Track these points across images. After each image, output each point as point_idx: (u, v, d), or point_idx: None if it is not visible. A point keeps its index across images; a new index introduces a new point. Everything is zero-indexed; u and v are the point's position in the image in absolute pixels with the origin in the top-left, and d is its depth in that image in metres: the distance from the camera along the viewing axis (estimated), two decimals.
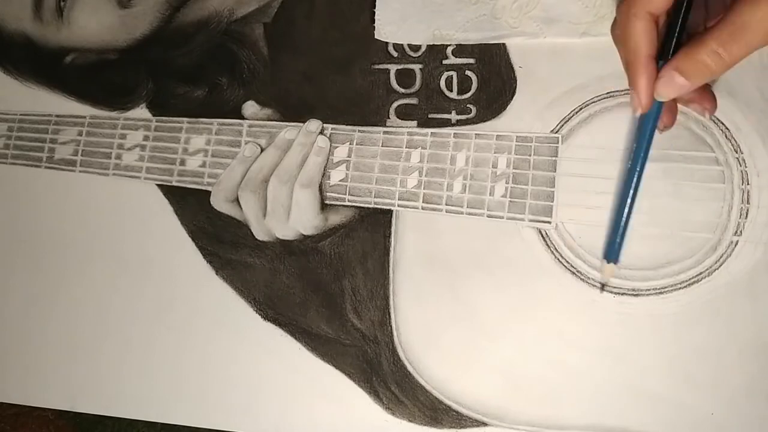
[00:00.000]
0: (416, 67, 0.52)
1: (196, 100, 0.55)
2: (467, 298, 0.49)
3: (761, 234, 0.45)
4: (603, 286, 0.46)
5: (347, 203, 0.51)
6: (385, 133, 0.51)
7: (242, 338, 0.52)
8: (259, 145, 0.53)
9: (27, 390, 0.55)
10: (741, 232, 0.45)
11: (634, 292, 0.46)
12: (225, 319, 0.52)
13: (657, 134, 0.43)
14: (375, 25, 0.52)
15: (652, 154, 0.43)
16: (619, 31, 0.41)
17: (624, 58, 0.41)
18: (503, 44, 0.50)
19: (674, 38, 0.39)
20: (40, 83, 0.57)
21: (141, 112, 0.56)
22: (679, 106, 0.45)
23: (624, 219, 0.44)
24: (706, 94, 0.43)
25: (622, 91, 0.48)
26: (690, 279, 0.46)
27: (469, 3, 0.50)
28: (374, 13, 0.52)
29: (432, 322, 0.49)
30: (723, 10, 0.38)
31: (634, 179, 0.43)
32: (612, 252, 0.45)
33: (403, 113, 0.51)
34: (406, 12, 0.51)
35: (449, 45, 0.51)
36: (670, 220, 0.46)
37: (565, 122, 0.48)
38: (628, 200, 0.43)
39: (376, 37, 0.52)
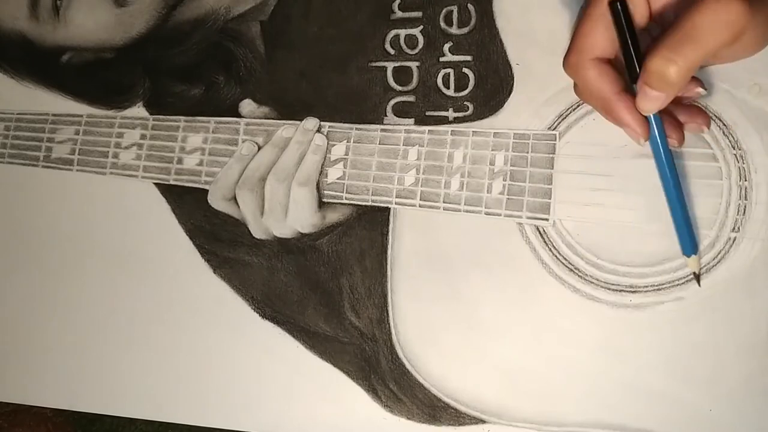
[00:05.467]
0: (413, 64, 0.51)
1: (193, 98, 0.55)
2: (465, 295, 0.49)
3: (759, 230, 0.45)
4: (698, 279, 0.45)
5: (345, 201, 0.51)
6: (382, 130, 0.51)
7: (240, 336, 0.52)
8: (257, 143, 0.53)
9: (26, 389, 0.55)
10: (739, 228, 0.45)
11: (632, 289, 0.46)
12: (223, 317, 0.52)
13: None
14: None
15: (648, 151, 0.43)
16: (580, 87, 0.41)
17: (598, 108, 0.41)
18: (500, 41, 0.50)
19: (633, 60, 0.39)
20: (36, 82, 0.57)
21: (138, 110, 0.56)
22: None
23: (680, 215, 0.43)
24: (694, 110, 0.43)
25: None
26: (688, 276, 0.46)
27: None
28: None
29: (430, 320, 0.49)
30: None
31: (672, 186, 0.42)
32: (686, 247, 0.44)
33: (401, 111, 0.51)
34: None
35: (447, 42, 0.51)
36: (668, 217, 0.46)
37: (563, 119, 0.48)
38: (677, 202, 0.43)
39: None
